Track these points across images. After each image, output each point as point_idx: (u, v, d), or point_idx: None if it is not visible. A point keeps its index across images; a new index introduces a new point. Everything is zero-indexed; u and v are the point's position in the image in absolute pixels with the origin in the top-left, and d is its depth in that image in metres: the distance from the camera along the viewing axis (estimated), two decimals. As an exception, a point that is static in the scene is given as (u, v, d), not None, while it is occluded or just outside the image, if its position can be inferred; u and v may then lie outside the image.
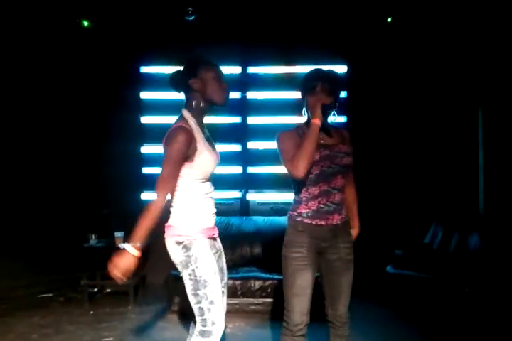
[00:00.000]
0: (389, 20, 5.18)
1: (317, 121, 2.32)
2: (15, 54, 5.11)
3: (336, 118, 2.53)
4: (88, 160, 5.40)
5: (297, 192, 2.47)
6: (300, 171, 2.29)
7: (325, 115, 2.38)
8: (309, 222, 2.40)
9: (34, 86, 5.27)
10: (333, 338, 2.52)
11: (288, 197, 5.53)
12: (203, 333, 2.23)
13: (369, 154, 5.48)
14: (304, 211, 2.42)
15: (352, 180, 2.61)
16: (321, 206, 2.40)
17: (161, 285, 5.03)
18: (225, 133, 5.39)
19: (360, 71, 5.50)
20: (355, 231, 2.65)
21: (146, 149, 5.56)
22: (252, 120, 5.63)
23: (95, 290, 5.01)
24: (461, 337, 3.73)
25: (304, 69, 5.51)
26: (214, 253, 2.35)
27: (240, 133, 5.60)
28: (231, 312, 4.24)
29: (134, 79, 5.58)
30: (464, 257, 4.61)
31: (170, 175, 2.27)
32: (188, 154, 2.23)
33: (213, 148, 2.41)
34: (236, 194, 5.59)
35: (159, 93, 5.54)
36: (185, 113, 2.33)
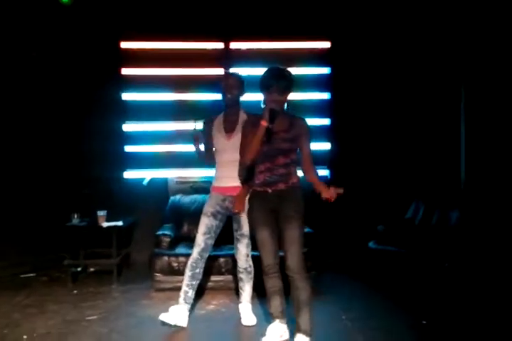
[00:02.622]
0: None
1: (264, 123, 2.81)
2: None
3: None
4: (69, 139, 5.32)
5: (254, 168, 3.10)
6: (246, 161, 3.01)
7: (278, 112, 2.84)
8: (259, 189, 3.06)
9: (14, 61, 5.17)
10: (292, 291, 2.96)
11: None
12: None
13: (352, 131, 5.49)
14: (256, 182, 3.08)
15: (309, 164, 3.05)
16: (266, 178, 3.02)
17: (144, 263, 5.05)
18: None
19: (343, 47, 5.44)
20: (327, 192, 2.92)
21: (129, 127, 5.47)
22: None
23: (79, 269, 4.99)
24: (441, 312, 3.80)
25: (286, 45, 5.46)
26: (222, 206, 3.50)
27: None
28: (215, 289, 4.33)
29: (115, 54, 5.44)
30: (444, 232, 4.68)
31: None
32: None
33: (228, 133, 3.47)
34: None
35: (141, 69, 5.42)
36: None
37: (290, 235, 2.95)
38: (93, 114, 5.28)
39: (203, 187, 4.92)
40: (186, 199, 5.16)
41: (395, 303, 4.00)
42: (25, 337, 3.34)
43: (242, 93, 3.51)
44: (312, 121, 5.03)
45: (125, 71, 5.47)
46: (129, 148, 5.46)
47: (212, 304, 4.03)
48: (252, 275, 3.63)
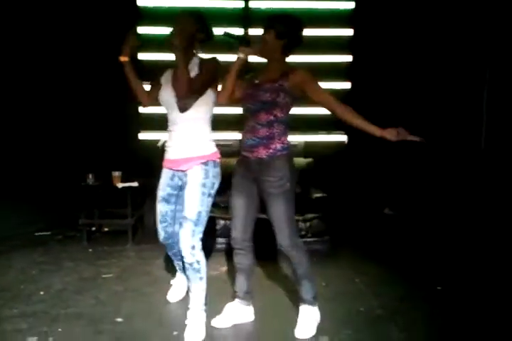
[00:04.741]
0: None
1: (239, 54, 2.68)
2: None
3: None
4: (85, 100, 5.27)
5: None
6: (220, 98, 2.75)
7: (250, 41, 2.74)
8: (243, 154, 2.75)
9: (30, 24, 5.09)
10: (289, 265, 2.81)
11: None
12: None
13: (373, 94, 5.34)
14: (242, 144, 2.76)
15: (336, 103, 2.63)
16: (248, 140, 2.70)
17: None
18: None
19: (367, 8, 5.25)
20: (384, 132, 2.55)
21: (145, 87, 5.35)
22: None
23: (93, 229, 5.04)
24: (457, 278, 3.78)
25: (308, 5, 5.28)
26: (172, 187, 2.90)
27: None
28: (228, 251, 4.32)
29: (131, 12, 5.30)
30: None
31: None
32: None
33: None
34: (235, 135, 5.49)
35: (158, 28, 5.27)
36: None
37: (274, 213, 2.68)
38: (108, 74, 5.19)
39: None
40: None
41: (410, 269, 3.98)
42: (41, 292, 3.41)
43: (197, 35, 2.85)
44: (332, 85, 5.00)
45: (142, 29, 5.33)
46: (143, 110, 5.40)
47: (225, 265, 4.06)
48: (203, 275, 2.81)
